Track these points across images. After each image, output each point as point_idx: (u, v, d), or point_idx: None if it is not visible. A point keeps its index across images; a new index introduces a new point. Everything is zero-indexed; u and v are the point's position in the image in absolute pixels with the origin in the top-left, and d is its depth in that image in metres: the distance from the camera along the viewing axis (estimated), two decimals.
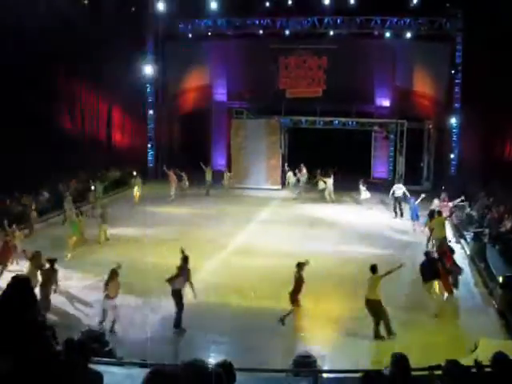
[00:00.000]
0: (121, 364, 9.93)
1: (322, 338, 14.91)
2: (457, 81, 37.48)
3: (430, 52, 38.47)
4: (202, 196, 34.71)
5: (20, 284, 5.62)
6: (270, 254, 21.87)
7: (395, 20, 37.43)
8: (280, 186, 37.48)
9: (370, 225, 28.18)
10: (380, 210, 31.53)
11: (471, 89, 35.36)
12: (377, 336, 14.66)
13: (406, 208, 28.99)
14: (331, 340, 14.81)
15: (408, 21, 37.29)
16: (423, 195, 28.06)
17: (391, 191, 30.23)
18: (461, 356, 12.50)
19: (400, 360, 6.54)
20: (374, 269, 15.11)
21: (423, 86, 40.00)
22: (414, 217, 26.70)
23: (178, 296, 15.01)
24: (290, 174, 35.88)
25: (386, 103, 40.62)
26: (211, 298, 16.99)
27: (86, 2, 34.91)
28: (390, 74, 40.38)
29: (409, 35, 37.90)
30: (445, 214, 24.40)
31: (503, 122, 34.18)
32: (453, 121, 37.92)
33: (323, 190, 33.90)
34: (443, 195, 27.87)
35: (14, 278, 5.75)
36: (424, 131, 38.47)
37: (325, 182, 33.74)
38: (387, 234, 26.31)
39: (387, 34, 38.19)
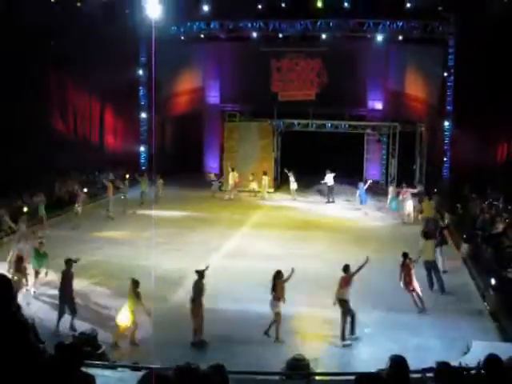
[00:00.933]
0: (113, 367, 9.92)
1: (315, 340, 14.90)
2: (449, 84, 37.57)
3: (423, 55, 38.58)
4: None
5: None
6: (263, 257, 21.85)
7: (388, 23, 37.46)
8: (273, 189, 37.47)
9: (363, 227, 28.24)
10: (373, 212, 31.56)
11: (463, 92, 35.46)
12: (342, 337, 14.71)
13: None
14: (324, 343, 14.79)
15: (400, 24, 37.33)
16: (370, 181, 33.57)
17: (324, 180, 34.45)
18: (454, 358, 12.59)
19: (399, 362, 6.52)
20: (346, 268, 15.28)
21: (416, 88, 40.09)
22: (363, 201, 32.24)
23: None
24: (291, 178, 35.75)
25: (379, 106, 40.68)
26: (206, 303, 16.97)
27: (78, 4, 34.81)
28: (382, 76, 40.44)
29: (401, 38, 37.95)
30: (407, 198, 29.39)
31: (495, 125, 34.31)
32: (445, 123, 38.01)
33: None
34: (403, 184, 30.99)
35: None
36: (416, 134, 38.54)
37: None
38: (380, 235, 26.32)
39: (380, 37, 38.21)
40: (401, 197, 30.18)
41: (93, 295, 17.14)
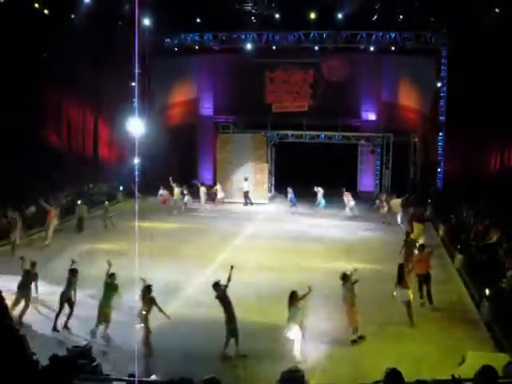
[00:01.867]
0: (108, 380, 9.87)
1: (311, 352, 14.85)
2: (442, 94, 37.69)
3: (416, 66, 38.71)
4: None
5: None
6: (257, 268, 21.83)
7: (380, 34, 37.59)
8: (266, 201, 37.47)
9: (357, 238, 28.24)
10: (366, 224, 31.54)
11: (456, 102, 35.60)
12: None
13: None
14: (320, 354, 14.75)
15: (393, 35, 37.47)
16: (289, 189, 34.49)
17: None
18: (449, 369, 12.58)
19: (394, 375, 6.51)
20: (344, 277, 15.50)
21: (409, 99, 40.20)
22: (294, 204, 34.47)
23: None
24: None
25: (372, 117, 40.77)
26: (197, 313, 16.92)
27: (72, 16, 34.85)
28: (375, 88, 40.57)
29: (394, 49, 38.07)
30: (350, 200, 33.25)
31: (488, 136, 34.39)
32: (438, 134, 38.11)
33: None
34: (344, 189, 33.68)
35: None
36: (410, 145, 38.63)
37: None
38: (374, 247, 26.31)
39: (373, 49, 38.35)
40: (345, 199, 33.22)
41: (87, 307, 17.06)
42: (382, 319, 16.34)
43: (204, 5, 34.96)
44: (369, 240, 28.02)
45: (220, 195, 36.30)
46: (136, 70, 41.48)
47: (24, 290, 16.45)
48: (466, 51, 33.15)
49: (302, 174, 37.11)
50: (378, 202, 32.92)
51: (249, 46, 39.06)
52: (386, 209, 31.71)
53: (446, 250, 25.34)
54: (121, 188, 36.74)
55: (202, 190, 36.07)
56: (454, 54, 36.08)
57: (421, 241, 22.74)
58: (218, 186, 36.55)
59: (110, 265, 16.03)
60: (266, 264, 22.51)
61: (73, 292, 16.45)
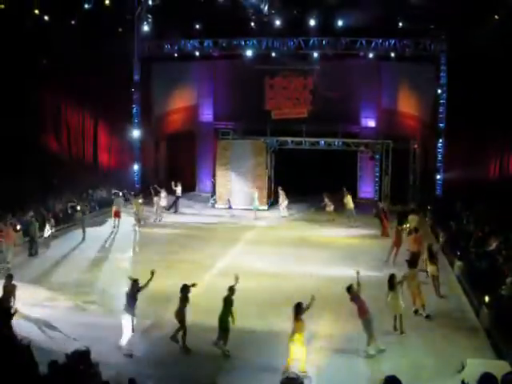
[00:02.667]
0: None
1: (310, 358, 14.82)
2: (441, 101, 37.74)
3: (415, 73, 38.84)
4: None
5: None
6: (257, 275, 21.78)
7: (380, 41, 37.69)
8: (266, 207, 37.44)
9: (356, 245, 28.22)
10: (367, 230, 31.50)
11: (456, 109, 35.65)
12: None
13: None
14: (319, 361, 14.72)
15: (393, 42, 37.55)
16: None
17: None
18: (448, 376, 12.57)
19: (393, 382, 6.50)
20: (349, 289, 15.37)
21: (408, 106, 40.27)
22: (229, 207, 36.16)
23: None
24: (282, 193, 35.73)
25: (372, 124, 40.85)
26: (196, 320, 16.88)
27: (72, 22, 34.89)
28: (375, 94, 40.66)
29: (393, 56, 38.13)
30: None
31: (488, 142, 34.44)
32: (438, 141, 38.14)
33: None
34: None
35: None
36: (409, 151, 38.68)
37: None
38: (374, 253, 26.26)
39: (372, 55, 38.43)
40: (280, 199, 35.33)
41: (86, 313, 17.06)
42: (381, 326, 16.30)
43: (204, 11, 35.05)
44: (369, 246, 27.98)
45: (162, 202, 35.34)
46: (136, 76, 41.76)
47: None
48: (465, 58, 33.19)
49: (302, 180, 37.13)
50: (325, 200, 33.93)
51: (249, 53, 39.11)
52: (282, 206, 35.09)
53: (445, 256, 25.30)
54: (120, 193, 36.69)
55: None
56: (453, 60, 36.14)
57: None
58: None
59: (236, 279, 15.68)
60: (266, 270, 22.47)
61: None
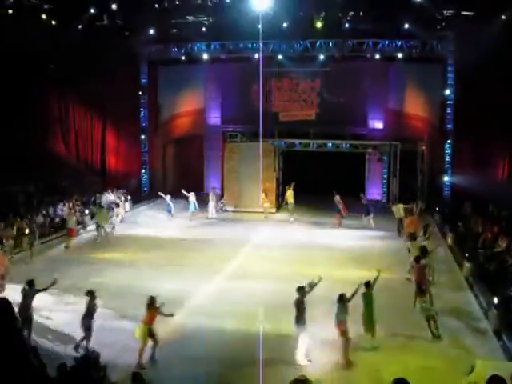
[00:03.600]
0: None
1: (321, 361, 14.82)
2: (449, 102, 37.66)
3: (422, 74, 38.81)
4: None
5: (2, 308, 5.56)
6: (266, 277, 21.79)
7: (387, 42, 37.66)
8: (274, 209, 37.40)
9: (365, 247, 28.15)
10: (376, 232, 31.43)
11: (464, 110, 35.58)
12: None
13: None
14: (328, 364, 14.71)
15: (400, 43, 37.52)
16: (168, 196, 35.00)
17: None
18: (457, 378, 12.54)
19: None
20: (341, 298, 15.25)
21: (416, 107, 40.18)
22: (170, 212, 34.75)
23: None
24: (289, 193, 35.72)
25: (379, 125, 40.74)
26: (206, 323, 16.90)
27: (79, 26, 35.01)
28: (382, 96, 40.56)
29: (401, 57, 38.08)
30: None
31: (496, 143, 34.37)
32: (446, 142, 38.06)
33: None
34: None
35: None
36: (417, 153, 38.60)
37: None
38: (385, 254, 26.21)
39: (379, 57, 38.41)
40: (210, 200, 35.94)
41: (96, 317, 17.10)
42: (388, 328, 16.28)
43: (211, 14, 35.09)
44: (379, 248, 27.92)
45: None
46: (143, 80, 41.85)
47: None
48: (472, 58, 33.11)
49: (310, 182, 37.05)
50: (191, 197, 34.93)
51: (256, 55, 39.11)
52: (211, 206, 35.94)
53: (453, 258, 25.25)
54: (129, 197, 36.77)
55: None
56: (460, 61, 36.04)
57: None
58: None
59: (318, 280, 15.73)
60: (275, 273, 22.43)
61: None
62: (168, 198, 34.86)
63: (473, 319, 17.96)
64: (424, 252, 19.28)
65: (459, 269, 23.37)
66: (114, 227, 30.89)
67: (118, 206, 33.81)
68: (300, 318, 14.79)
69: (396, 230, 29.85)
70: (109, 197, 36.34)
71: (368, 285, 15.54)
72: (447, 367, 14.19)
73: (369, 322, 15.45)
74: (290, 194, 34.99)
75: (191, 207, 34.88)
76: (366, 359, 14.86)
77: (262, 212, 35.97)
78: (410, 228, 25.46)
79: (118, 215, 32.88)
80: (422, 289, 17.51)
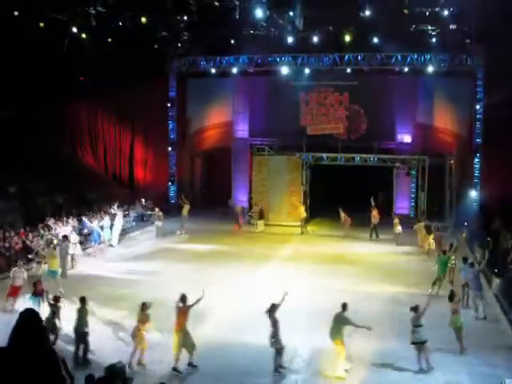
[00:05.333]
0: None
1: (346, 376, 14.73)
2: (478, 116, 37.38)
3: (452, 88, 38.60)
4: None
5: (30, 317, 5.61)
6: (292, 291, 21.70)
7: (416, 56, 37.54)
8: (302, 223, 37.27)
9: (392, 262, 28.00)
10: (402, 246, 31.23)
11: (493, 124, 35.29)
12: None
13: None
14: (357, 376, 14.62)
15: (428, 57, 37.38)
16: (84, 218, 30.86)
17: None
18: None
19: None
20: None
21: (445, 121, 39.92)
22: (95, 240, 29.43)
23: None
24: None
25: (408, 139, 40.50)
26: (229, 336, 16.88)
27: (109, 39, 35.37)
28: (411, 110, 40.37)
29: (429, 71, 37.93)
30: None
31: None
32: (475, 156, 37.76)
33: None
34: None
35: (22, 312, 5.76)
36: (446, 167, 38.32)
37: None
38: (411, 269, 26.04)
39: (408, 70, 38.31)
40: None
41: (119, 328, 17.17)
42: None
43: (239, 27, 35.22)
44: (404, 263, 27.75)
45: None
46: (172, 93, 42.12)
47: None
48: (502, 72, 32.89)
49: (337, 196, 36.95)
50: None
51: (284, 69, 39.21)
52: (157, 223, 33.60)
53: (483, 273, 24.98)
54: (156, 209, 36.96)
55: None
56: (490, 75, 35.81)
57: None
58: None
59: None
60: (302, 287, 22.32)
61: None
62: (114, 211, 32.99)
63: (502, 336, 17.75)
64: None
65: (488, 285, 23.13)
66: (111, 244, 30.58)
67: (113, 217, 31.63)
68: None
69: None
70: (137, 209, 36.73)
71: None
72: None
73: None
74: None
75: (95, 236, 29.76)
76: (394, 373, 14.75)
77: (298, 226, 36.03)
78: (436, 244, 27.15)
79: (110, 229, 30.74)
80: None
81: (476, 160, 37.80)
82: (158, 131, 42.64)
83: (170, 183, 43.00)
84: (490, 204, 35.57)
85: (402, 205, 39.56)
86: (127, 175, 43.50)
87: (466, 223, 33.84)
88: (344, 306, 15.03)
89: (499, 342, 17.23)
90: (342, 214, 34.26)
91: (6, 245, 25.54)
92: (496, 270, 23.18)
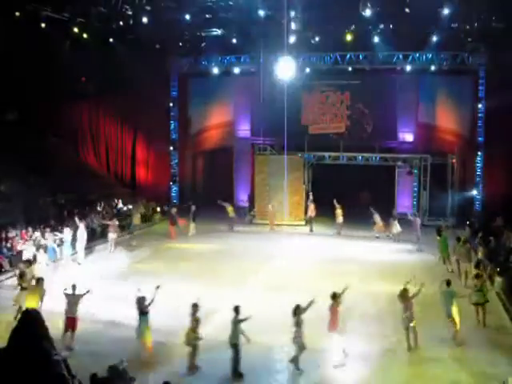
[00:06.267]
0: None
1: (350, 374, 14.73)
2: (480, 115, 37.35)
3: (453, 86, 38.58)
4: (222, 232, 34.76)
5: (31, 317, 5.62)
6: (294, 290, 21.68)
7: (417, 55, 37.55)
8: (304, 222, 37.28)
9: (394, 260, 27.96)
10: (406, 245, 31.18)
11: (495, 122, 35.26)
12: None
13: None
14: (357, 376, 14.61)
15: (430, 56, 37.36)
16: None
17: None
18: None
19: None
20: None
21: (446, 120, 39.89)
22: (51, 256, 25.06)
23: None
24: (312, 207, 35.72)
25: (410, 138, 40.49)
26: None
27: (111, 40, 35.40)
28: (412, 108, 40.34)
29: (431, 70, 37.93)
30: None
31: None
32: (477, 155, 37.72)
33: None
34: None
35: (24, 312, 5.77)
36: (448, 166, 38.28)
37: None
38: (411, 268, 26.00)
39: (409, 69, 38.30)
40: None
41: (122, 327, 17.16)
42: (419, 341, 16.11)
43: (240, 27, 35.19)
44: (406, 261, 27.72)
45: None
46: (173, 92, 42.11)
47: None
48: (504, 71, 32.88)
49: (339, 195, 36.91)
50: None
51: (285, 68, 39.14)
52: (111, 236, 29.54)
53: (485, 272, 24.93)
54: (158, 209, 36.95)
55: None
56: (491, 73, 35.79)
57: None
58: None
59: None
60: (303, 286, 22.29)
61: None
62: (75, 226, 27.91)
63: (504, 335, 17.72)
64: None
65: (491, 283, 23.09)
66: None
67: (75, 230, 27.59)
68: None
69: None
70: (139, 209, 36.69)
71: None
72: (477, 383, 14.01)
73: None
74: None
75: (51, 253, 25.38)
76: (396, 372, 14.75)
77: (305, 224, 36.39)
78: None
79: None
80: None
81: (478, 159, 37.78)
82: (160, 131, 42.63)
83: (171, 183, 42.98)
84: (491, 202, 35.53)
85: (405, 203, 39.48)
86: (129, 175, 43.52)
87: (467, 222, 33.80)
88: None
89: (502, 340, 17.19)
90: (337, 206, 34.43)
91: (8, 245, 25.60)
92: (498, 269, 23.15)
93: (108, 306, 19.70)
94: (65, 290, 16.64)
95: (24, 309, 15.75)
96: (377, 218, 33.05)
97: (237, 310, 14.94)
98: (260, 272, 25.21)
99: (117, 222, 30.03)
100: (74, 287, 16.59)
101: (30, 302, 16.56)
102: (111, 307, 19.56)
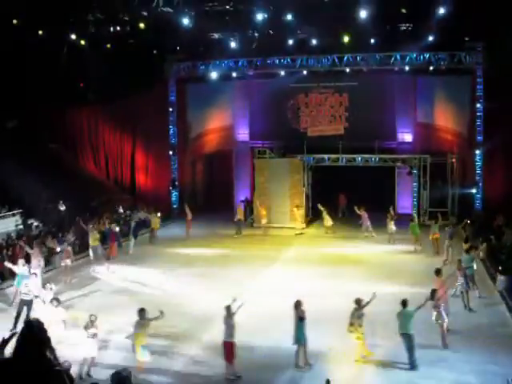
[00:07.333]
0: None
1: (355, 376, 14.73)
2: (478, 114, 37.34)
3: (451, 86, 38.56)
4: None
5: (34, 327, 5.61)
6: (296, 293, 21.64)
7: (414, 55, 37.52)
8: (304, 225, 37.25)
9: (396, 261, 27.95)
10: (405, 246, 31.16)
11: (493, 121, 35.28)
12: None
13: None
14: (363, 378, 14.62)
15: (427, 56, 37.37)
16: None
17: None
18: None
19: None
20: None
21: (445, 119, 39.88)
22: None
23: None
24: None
25: (409, 138, 40.51)
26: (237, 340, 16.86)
27: (108, 45, 35.42)
28: (411, 109, 40.36)
29: (429, 70, 37.95)
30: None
31: None
32: (476, 154, 37.72)
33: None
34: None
35: (26, 322, 5.77)
36: (447, 165, 38.26)
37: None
38: (414, 269, 26.01)
39: (407, 70, 38.33)
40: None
41: (124, 333, 17.15)
42: (424, 343, 16.10)
43: (237, 31, 35.20)
44: (408, 262, 27.72)
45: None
46: (172, 97, 42.13)
47: None
48: (501, 70, 32.90)
49: (339, 197, 36.96)
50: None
51: (283, 71, 39.29)
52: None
53: (487, 271, 24.95)
54: (159, 214, 36.90)
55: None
56: (489, 72, 35.80)
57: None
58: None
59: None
60: (305, 289, 22.26)
61: None
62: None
63: (507, 334, 17.70)
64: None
65: (492, 282, 23.10)
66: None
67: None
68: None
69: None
70: (139, 215, 36.69)
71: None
72: (482, 382, 14.00)
73: None
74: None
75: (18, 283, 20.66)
76: (401, 373, 14.74)
77: (293, 228, 35.93)
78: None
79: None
80: None
81: (477, 158, 37.78)
82: (159, 136, 42.61)
83: (171, 188, 42.97)
84: (492, 201, 35.53)
85: (405, 204, 39.48)
86: (129, 181, 43.52)
87: (468, 221, 33.80)
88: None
89: (505, 339, 17.18)
90: (322, 209, 34.96)
91: (9, 253, 25.62)
92: (500, 268, 23.14)
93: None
94: None
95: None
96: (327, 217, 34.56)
97: (228, 309, 14.94)
98: (261, 275, 25.19)
99: (69, 247, 26.12)
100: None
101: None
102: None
